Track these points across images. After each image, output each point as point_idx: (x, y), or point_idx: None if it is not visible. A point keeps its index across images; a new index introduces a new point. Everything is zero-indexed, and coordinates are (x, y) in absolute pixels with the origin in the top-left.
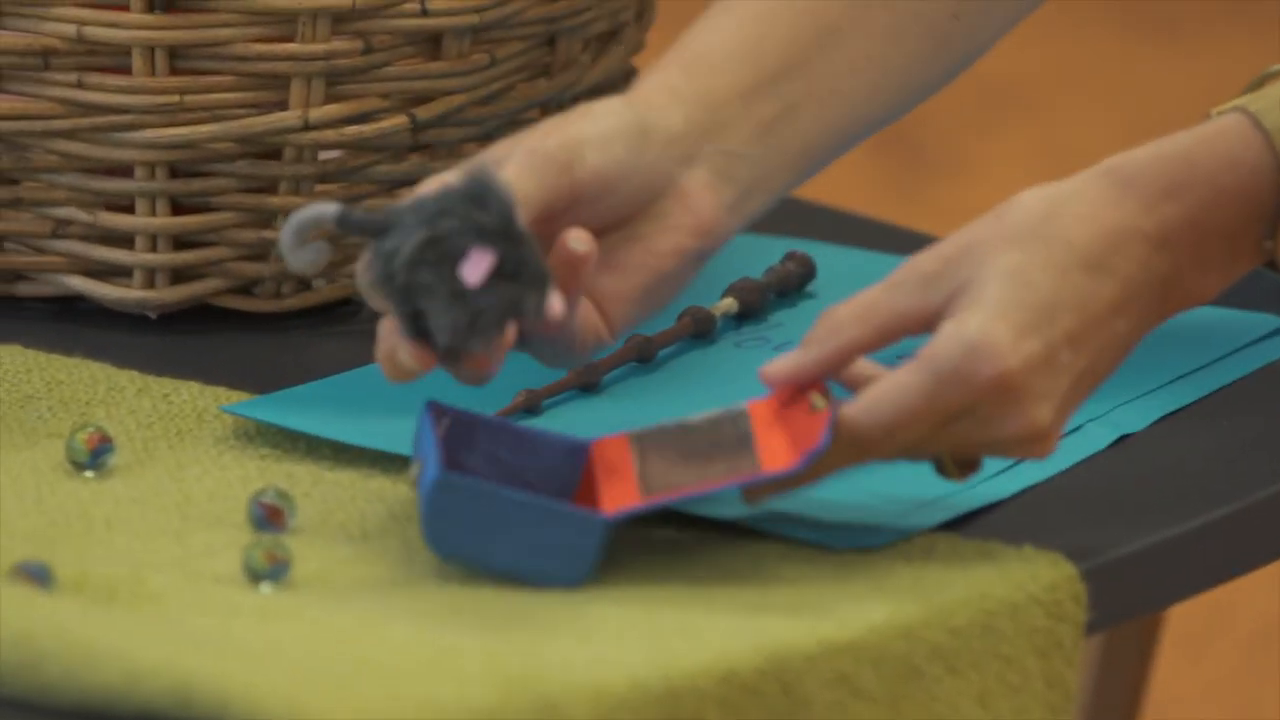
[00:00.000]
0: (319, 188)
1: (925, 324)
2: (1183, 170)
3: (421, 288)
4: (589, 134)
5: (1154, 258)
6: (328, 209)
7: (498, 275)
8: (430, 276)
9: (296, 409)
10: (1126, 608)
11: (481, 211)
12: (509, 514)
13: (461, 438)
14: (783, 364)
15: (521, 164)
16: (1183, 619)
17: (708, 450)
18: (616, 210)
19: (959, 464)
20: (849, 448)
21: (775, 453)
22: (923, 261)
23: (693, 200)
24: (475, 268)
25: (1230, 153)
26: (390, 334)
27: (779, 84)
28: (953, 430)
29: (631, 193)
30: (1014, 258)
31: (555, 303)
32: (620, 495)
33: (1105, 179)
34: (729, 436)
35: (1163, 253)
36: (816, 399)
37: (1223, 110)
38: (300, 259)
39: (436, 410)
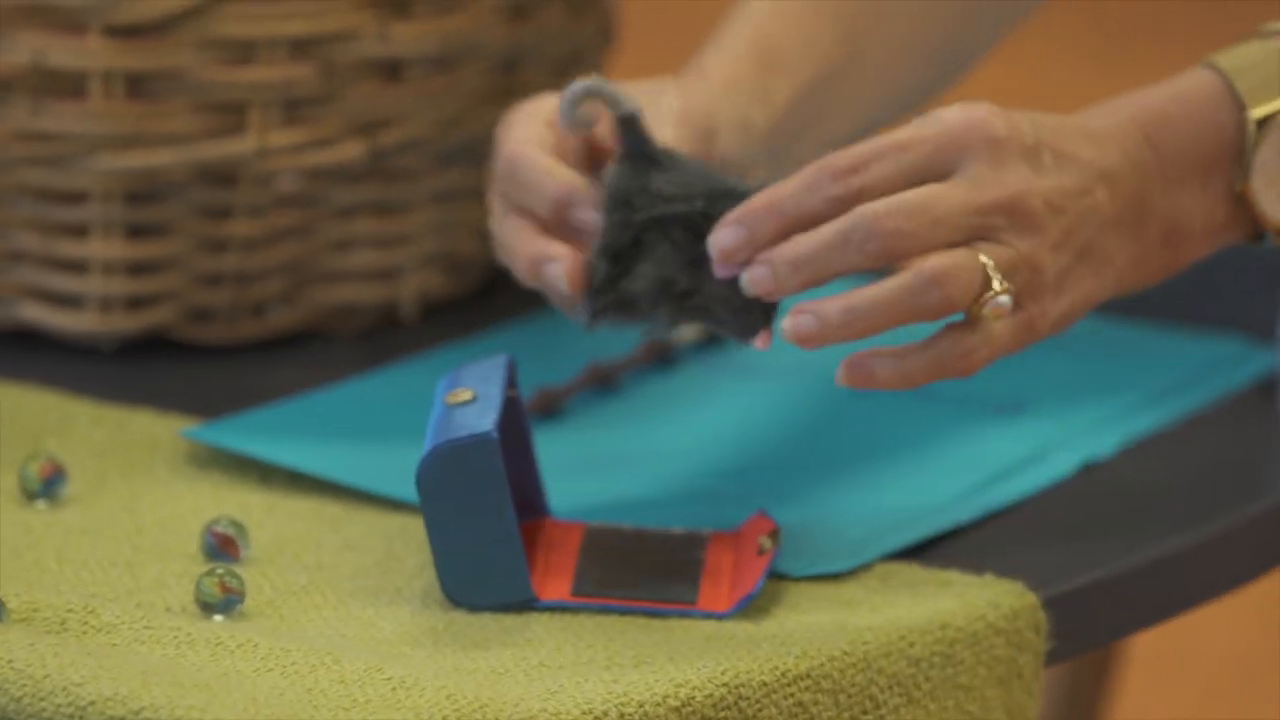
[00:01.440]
0: (274, 214)
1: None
2: (1143, 104)
3: (665, 239)
4: (722, 112)
5: (1133, 165)
6: (630, 101)
7: (732, 282)
8: (681, 235)
9: (253, 435)
10: (1088, 637)
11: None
12: (491, 516)
13: (510, 411)
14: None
15: (675, 126)
16: (1152, 646)
17: (652, 566)
18: None
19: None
20: (829, 180)
21: (715, 591)
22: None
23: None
24: (728, 268)
25: (1190, 92)
26: (543, 243)
27: (825, 87)
28: (944, 194)
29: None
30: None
31: (761, 340)
32: (556, 582)
33: (1091, 108)
34: (679, 559)
35: (1139, 166)
36: (764, 541)
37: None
38: (572, 119)
39: (513, 369)
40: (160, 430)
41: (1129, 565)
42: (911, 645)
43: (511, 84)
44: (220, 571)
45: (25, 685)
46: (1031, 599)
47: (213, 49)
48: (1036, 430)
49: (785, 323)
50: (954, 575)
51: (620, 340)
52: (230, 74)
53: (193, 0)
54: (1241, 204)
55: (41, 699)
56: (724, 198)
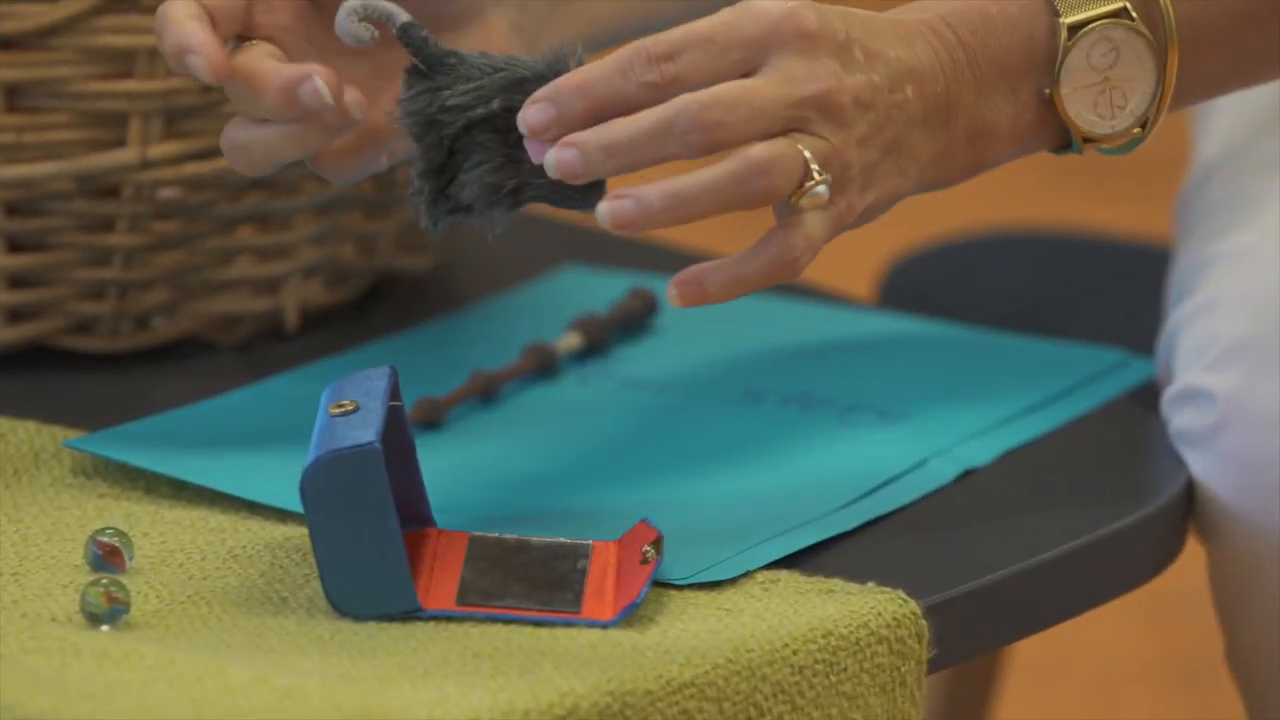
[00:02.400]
0: (157, 225)
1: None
2: (958, 4)
3: (476, 145)
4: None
5: (943, 64)
6: (401, 14)
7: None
8: (489, 138)
9: (137, 445)
10: (970, 644)
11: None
12: (374, 525)
13: (392, 421)
14: (600, 64)
15: None
16: (1032, 653)
17: (536, 575)
18: (428, 18)
19: None
20: (643, 64)
21: (599, 600)
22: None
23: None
24: (541, 147)
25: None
26: (246, 129)
27: None
28: (762, 88)
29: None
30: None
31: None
32: (441, 592)
33: (905, 4)
34: (562, 569)
35: (951, 64)
36: (647, 549)
37: None
38: (350, 31)
39: (395, 380)
40: (43, 441)
41: (1009, 573)
42: (795, 653)
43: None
44: (105, 582)
45: None
46: (913, 607)
47: (92, 60)
48: (917, 439)
49: (603, 206)
50: (836, 583)
51: (502, 350)
52: (110, 85)
53: (71, 11)
54: (1050, 110)
55: None
56: (519, 88)
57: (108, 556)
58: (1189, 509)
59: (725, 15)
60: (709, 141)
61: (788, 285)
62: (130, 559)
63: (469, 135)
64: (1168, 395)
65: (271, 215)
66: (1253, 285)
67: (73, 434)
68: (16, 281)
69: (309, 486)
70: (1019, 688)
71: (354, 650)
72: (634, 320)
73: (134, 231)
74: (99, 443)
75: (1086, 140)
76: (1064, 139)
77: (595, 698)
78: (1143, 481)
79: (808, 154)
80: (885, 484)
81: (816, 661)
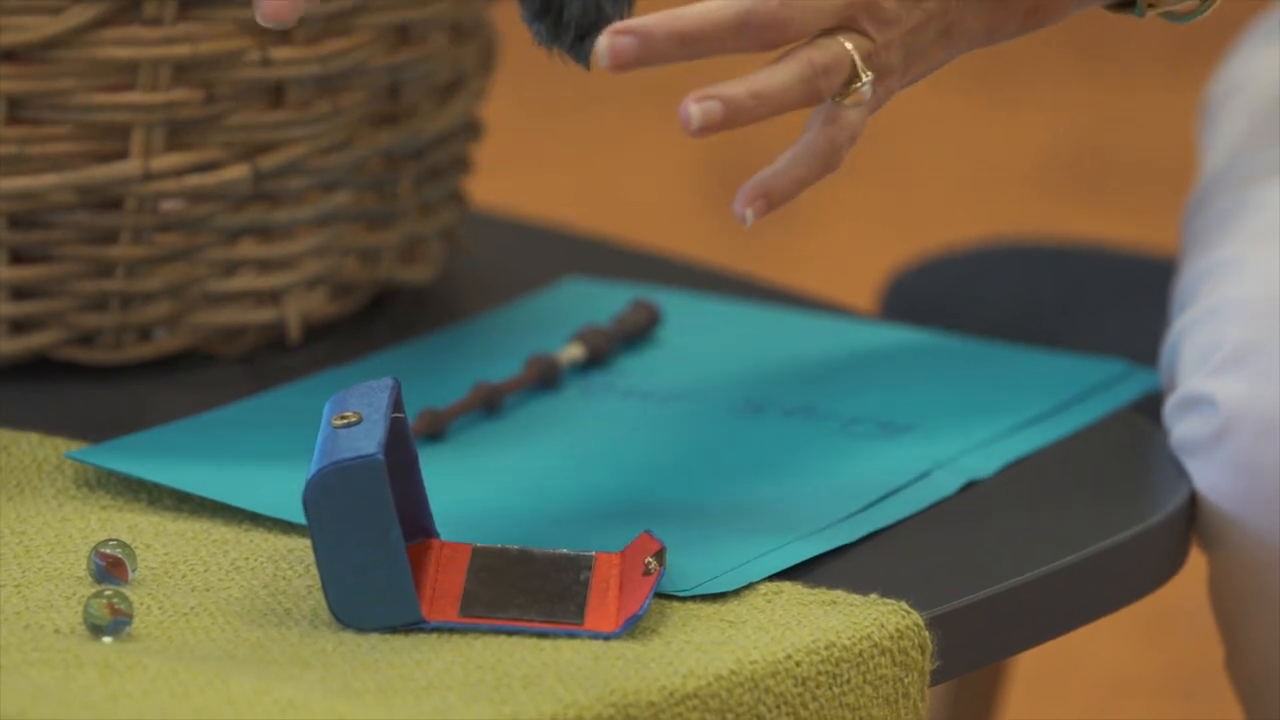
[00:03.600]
0: (159, 237)
1: None
2: None
3: None
4: None
5: None
6: None
7: None
8: None
9: (140, 456)
10: (973, 656)
11: None
12: (377, 537)
13: (395, 432)
14: None
15: None
16: (1034, 664)
17: (539, 586)
18: None
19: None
20: None
21: (603, 611)
22: None
23: None
24: None
25: None
26: None
27: None
28: None
29: None
30: None
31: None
32: (444, 603)
33: None
34: (565, 580)
35: None
36: (650, 561)
37: None
38: None
39: (399, 391)
40: (46, 452)
41: (1013, 585)
42: (798, 665)
43: (395, 108)
44: (108, 593)
45: None
46: (916, 618)
47: (95, 72)
48: (920, 450)
49: (691, 108)
50: (839, 595)
51: (504, 362)
52: (113, 97)
53: (73, 23)
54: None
55: None
56: None
57: (111, 568)
58: (1192, 521)
59: None
60: (780, 39)
61: (790, 297)
62: (133, 571)
63: None
64: (1170, 404)
65: (274, 227)
66: (1256, 291)
67: (75, 446)
68: (19, 293)
69: (312, 498)
70: (1021, 698)
71: (357, 662)
72: (636, 332)
73: (136, 243)
74: (102, 454)
75: (1151, 5)
76: (1127, 0)
77: (598, 709)
78: (1146, 493)
79: (856, 56)
80: (888, 495)
81: (819, 673)
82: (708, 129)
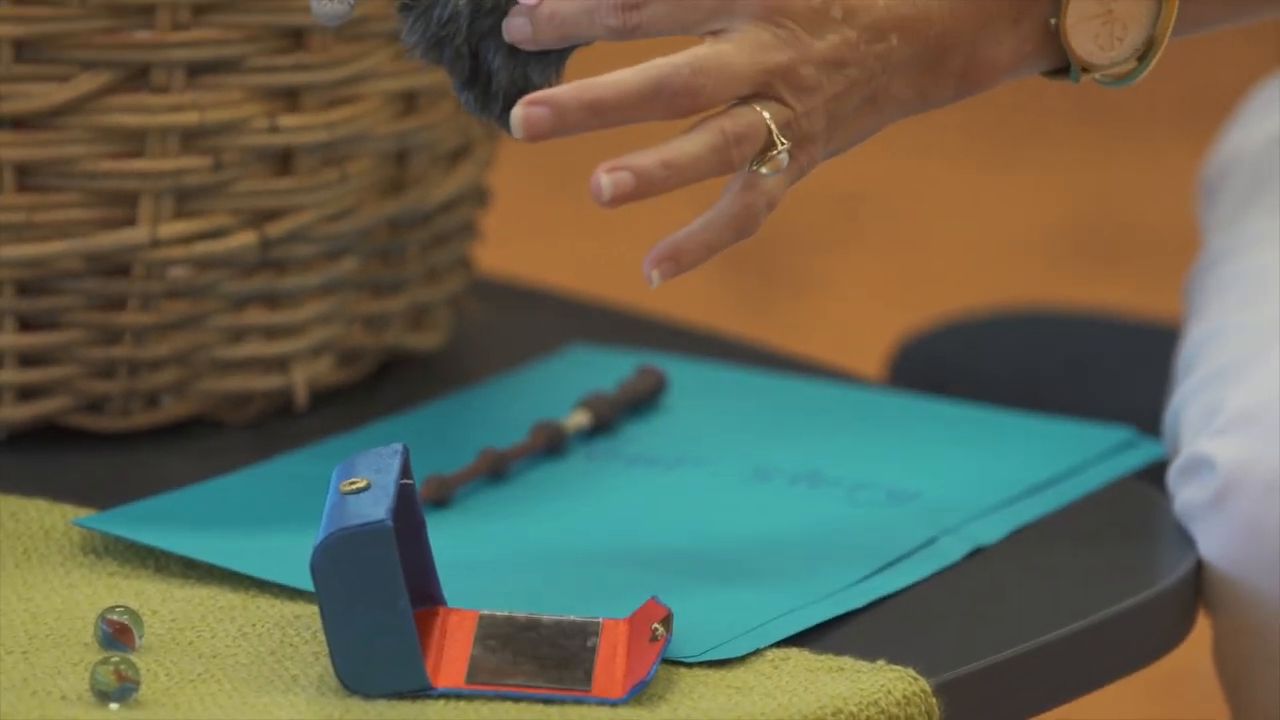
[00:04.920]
0: (167, 304)
1: None
2: None
3: (483, 36)
4: None
5: (942, 4)
6: None
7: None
8: (491, 22)
9: (147, 523)
10: None
11: None
12: (385, 604)
13: (403, 499)
14: None
15: None
16: None
17: (546, 653)
18: None
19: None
20: (607, 10)
21: (610, 677)
22: None
23: None
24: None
25: None
26: None
27: None
28: (735, 56)
29: None
30: None
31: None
32: (451, 670)
33: None
34: (572, 647)
35: (952, 3)
36: (657, 627)
37: None
38: (325, 11)
39: (407, 457)
40: (54, 519)
41: (1019, 652)
42: None
43: (402, 176)
44: (115, 660)
45: None
46: (923, 685)
47: (103, 139)
48: (926, 517)
49: (603, 179)
50: (846, 661)
51: (511, 428)
52: (120, 164)
53: (81, 91)
54: (1052, 39)
55: None
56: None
57: (118, 634)
58: (1198, 586)
59: None
60: (693, 106)
61: (797, 364)
62: (140, 637)
63: (474, 29)
64: (1173, 469)
65: (280, 294)
66: (1257, 356)
67: (83, 512)
68: (27, 360)
69: (320, 564)
70: None
71: None
72: (642, 398)
73: (144, 310)
74: (109, 521)
75: (1085, 70)
76: (1061, 66)
77: None
78: (1151, 560)
79: (772, 124)
80: (895, 562)
81: None
82: (618, 200)
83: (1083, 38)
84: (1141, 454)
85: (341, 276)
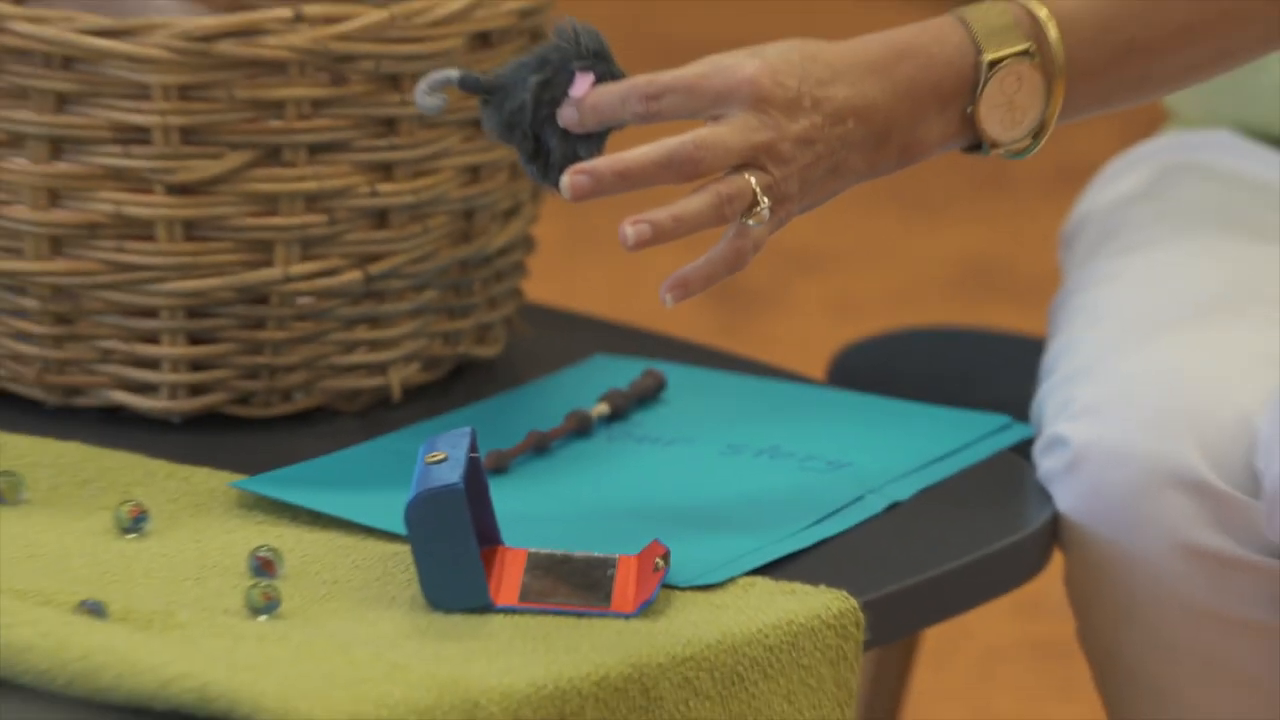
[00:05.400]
0: (296, 324)
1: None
2: (907, 42)
3: (543, 121)
4: None
5: (886, 98)
6: (453, 73)
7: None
8: (549, 109)
9: (285, 485)
10: (893, 630)
11: (577, 44)
12: (459, 543)
13: (472, 467)
14: (602, 92)
15: None
16: (934, 637)
17: (576, 579)
18: None
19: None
20: (637, 99)
21: (624, 597)
22: (714, 55)
23: None
24: (581, 85)
25: (940, 35)
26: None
27: None
28: (729, 136)
29: None
30: (780, 49)
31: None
32: (508, 592)
33: (855, 41)
34: (596, 576)
35: (893, 97)
36: (659, 561)
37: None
38: (427, 104)
39: (474, 437)
40: (216, 482)
41: (924, 578)
42: (766, 636)
43: (469, 228)
44: (263, 584)
45: (122, 666)
46: (853, 603)
47: (247, 202)
48: (856, 480)
49: (628, 230)
50: (797, 585)
51: (551, 416)
52: (260, 220)
53: (231, 165)
54: (968, 123)
55: (135, 676)
56: (542, 66)
57: (264, 566)
58: (1054, 532)
59: (705, 68)
60: (696, 174)
61: (761, 368)
62: (281, 568)
63: (537, 117)
64: (1037, 445)
65: (380, 317)
66: (1099, 363)
67: (237, 477)
68: (194, 365)
69: (411, 515)
70: (924, 663)
71: (444, 635)
72: (648, 394)
73: (279, 329)
74: (257, 484)
75: (993, 146)
76: (976, 143)
77: (620, 669)
78: (1021, 512)
79: (757, 187)
80: (833, 513)
81: (781, 642)
82: (639, 245)
83: (991, 121)
84: (1014, 434)
85: (425, 303)
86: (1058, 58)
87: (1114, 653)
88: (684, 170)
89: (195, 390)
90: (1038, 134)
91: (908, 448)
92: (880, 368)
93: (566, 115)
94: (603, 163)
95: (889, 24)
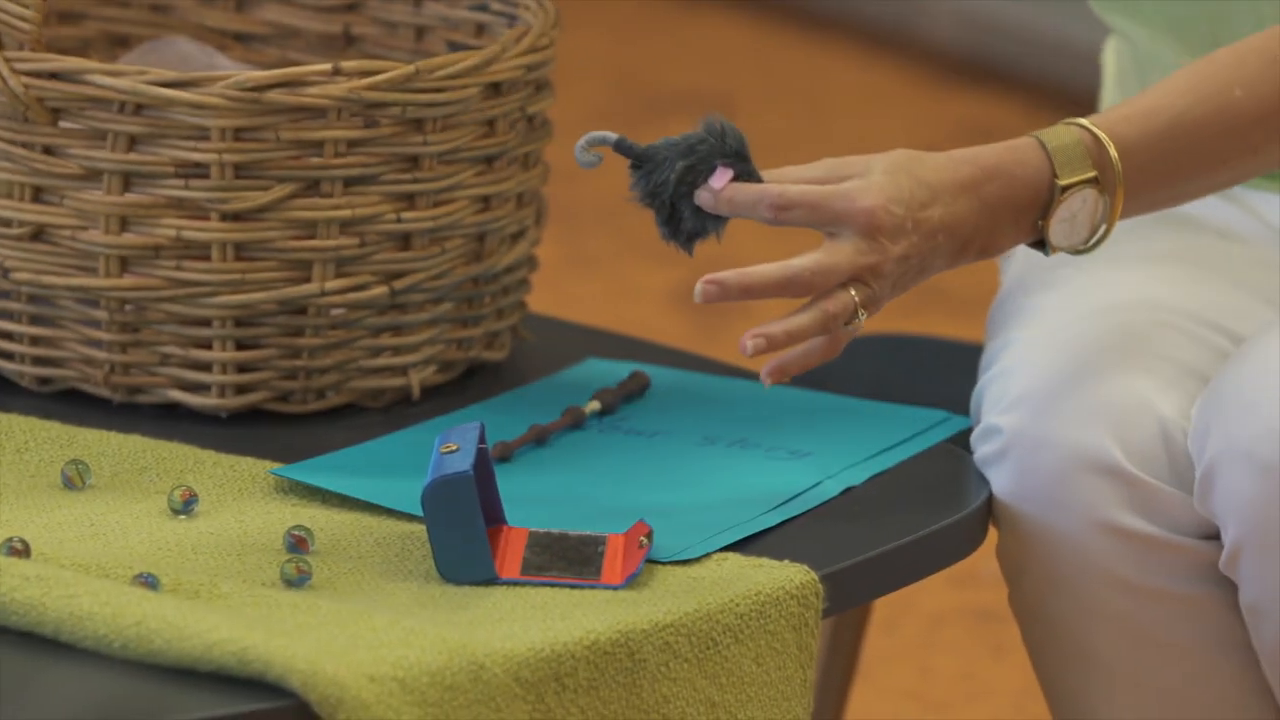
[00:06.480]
0: (330, 332)
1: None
2: (995, 164)
3: (682, 196)
4: None
5: (972, 213)
6: (610, 135)
7: (734, 182)
8: (688, 189)
9: (318, 472)
10: (848, 599)
11: (723, 142)
12: (468, 524)
13: (480, 457)
14: (738, 189)
15: None
16: (882, 605)
17: (570, 555)
18: None
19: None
20: (767, 208)
21: (612, 571)
22: (830, 159)
23: None
24: (720, 178)
25: (1024, 158)
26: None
27: None
28: (840, 261)
29: None
30: (889, 170)
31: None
32: (510, 566)
33: (951, 159)
34: (588, 552)
35: (978, 212)
36: (643, 539)
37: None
38: (584, 160)
39: (483, 430)
40: (258, 470)
41: (875, 553)
42: (737, 605)
43: (481, 250)
44: (297, 560)
45: (172, 632)
46: (813, 576)
47: (290, 227)
48: (815, 467)
49: (748, 343)
50: (764, 560)
51: (550, 411)
52: (301, 243)
53: (276, 196)
54: (1037, 231)
55: (183, 641)
56: (691, 151)
57: (298, 543)
58: (989, 511)
59: (830, 193)
60: (808, 294)
61: (734, 370)
62: (312, 545)
63: (677, 192)
64: (974, 434)
65: (403, 326)
66: (1030, 360)
67: (276, 465)
68: (240, 368)
69: (426, 499)
70: (876, 628)
71: (454, 604)
72: (634, 393)
73: (315, 337)
74: (293, 471)
75: (1054, 249)
76: (1039, 243)
77: (609, 634)
78: (960, 493)
79: (858, 301)
80: (795, 496)
81: (751, 610)
82: (757, 353)
83: (1057, 233)
84: (953, 426)
85: (441, 314)
86: (1117, 181)
87: (1041, 618)
88: (799, 291)
89: (241, 390)
90: (1095, 240)
91: (861, 439)
92: (836, 370)
93: (704, 199)
94: (732, 278)
95: (880, 81)
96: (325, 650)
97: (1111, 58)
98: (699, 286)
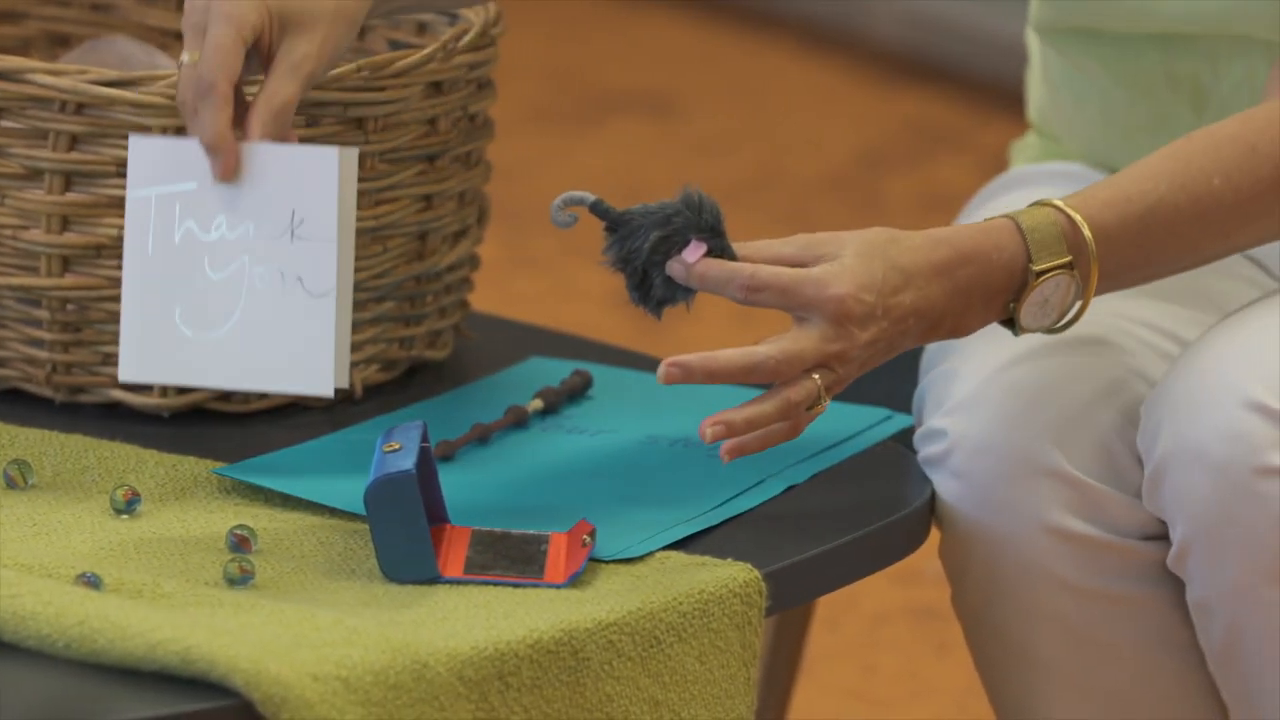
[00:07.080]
0: None
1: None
2: (972, 248)
3: (654, 265)
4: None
5: (945, 296)
6: (588, 196)
7: (707, 256)
8: (661, 258)
9: (260, 472)
10: (791, 598)
11: (699, 216)
12: (411, 522)
13: (423, 456)
14: (710, 265)
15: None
16: (825, 604)
17: (513, 554)
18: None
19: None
20: (738, 289)
21: (555, 569)
22: (805, 235)
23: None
24: (694, 252)
25: (1000, 242)
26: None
27: None
28: (807, 349)
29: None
30: (862, 253)
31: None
32: (453, 565)
33: (927, 240)
34: (531, 550)
35: (951, 295)
36: (586, 538)
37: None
38: (560, 220)
39: (425, 429)
40: (200, 470)
41: (818, 551)
42: (680, 603)
43: (423, 249)
44: (239, 559)
45: (115, 632)
46: (756, 574)
47: None
48: (758, 465)
49: (708, 430)
50: (708, 559)
51: (492, 410)
52: None
53: None
54: (1007, 312)
55: (126, 640)
56: (667, 222)
57: (241, 543)
58: (932, 510)
59: (801, 278)
60: (772, 381)
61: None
62: (255, 545)
63: (650, 260)
64: (918, 435)
65: None
66: (973, 362)
67: (218, 465)
68: None
69: (369, 497)
70: (819, 626)
71: (398, 603)
72: (576, 391)
73: None
74: (235, 471)
75: (1023, 329)
76: (1008, 321)
77: (552, 632)
78: (903, 492)
79: (822, 387)
80: (738, 495)
81: (694, 609)
82: (715, 440)
83: (1028, 315)
84: (895, 424)
85: (383, 313)
86: (1091, 265)
87: (984, 619)
88: (764, 378)
89: (183, 389)
90: (1064, 322)
91: (804, 436)
92: None
93: (675, 270)
94: (695, 361)
95: (825, 80)
96: (269, 650)
97: (1035, 44)
98: (662, 368)
